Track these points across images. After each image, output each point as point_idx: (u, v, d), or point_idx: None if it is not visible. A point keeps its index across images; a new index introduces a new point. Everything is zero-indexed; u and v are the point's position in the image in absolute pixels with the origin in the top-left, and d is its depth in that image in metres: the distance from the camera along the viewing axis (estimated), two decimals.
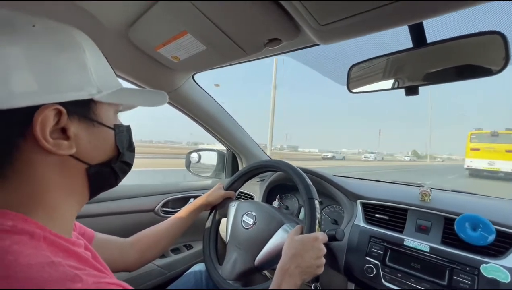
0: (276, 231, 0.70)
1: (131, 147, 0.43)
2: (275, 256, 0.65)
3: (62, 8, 0.58)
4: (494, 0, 0.39)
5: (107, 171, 0.40)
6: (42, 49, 0.31)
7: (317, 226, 0.63)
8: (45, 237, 0.30)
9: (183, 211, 0.78)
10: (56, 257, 0.29)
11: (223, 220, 0.85)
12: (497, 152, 13.01)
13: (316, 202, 0.66)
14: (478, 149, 13.73)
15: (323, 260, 0.60)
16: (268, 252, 0.68)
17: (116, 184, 0.43)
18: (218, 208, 0.84)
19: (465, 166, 14.37)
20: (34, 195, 0.33)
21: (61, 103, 0.32)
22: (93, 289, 0.28)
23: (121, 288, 0.31)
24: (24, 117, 0.30)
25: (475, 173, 14.08)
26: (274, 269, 0.59)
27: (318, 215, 0.64)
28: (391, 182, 1.07)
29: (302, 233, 0.63)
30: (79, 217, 0.87)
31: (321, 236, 0.62)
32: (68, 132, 0.33)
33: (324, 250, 0.61)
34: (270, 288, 0.55)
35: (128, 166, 0.43)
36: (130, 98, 0.42)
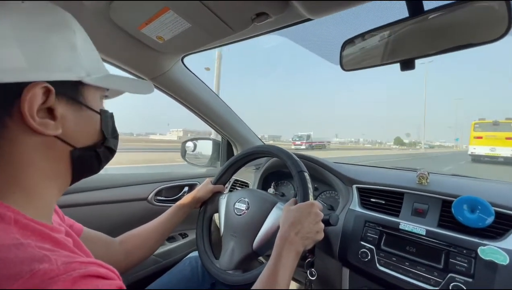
0: (270, 211, 0.68)
1: (115, 134, 0.44)
2: (273, 236, 0.63)
3: None
4: None
5: (91, 156, 0.39)
6: (32, 27, 0.32)
7: (310, 196, 0.62)
8: (16, 220, 0.29)
9: (170, 209, 0.75)
10: (26, 240, 0.28)
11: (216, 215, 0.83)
12: (498, 140, 14.26)
13: (306, 174, 0.65)
14: (481, 137, 14.88)
15: (322, 225, 0.60)
16: (265, 233, 0.66)
17: (98, 170, 0.42)
18: (208, 203, 0.82)
19: (469, 153, 15.52)
20: (13, 177, 0.32)
21: (50, 83, 0.32)
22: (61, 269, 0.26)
23: (96, 266, 0.29)
24: (11, 94, 0.30)
25: (477, 159, 15.25)
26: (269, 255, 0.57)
27: (310, 186, 0.63)
28: (388, 168, 1.04)
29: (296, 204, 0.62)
30: (71, 206, 0.87)
31: (316, 202, 0.61)
32: (55, 112, 0.33)
33: (322, 215, 0.60)
34: (271, 259, 0.53)
35: (111, 152, 0.43)
36: (117, 84, 0.42)
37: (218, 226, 0.79)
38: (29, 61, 0.31)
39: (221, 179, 0.85)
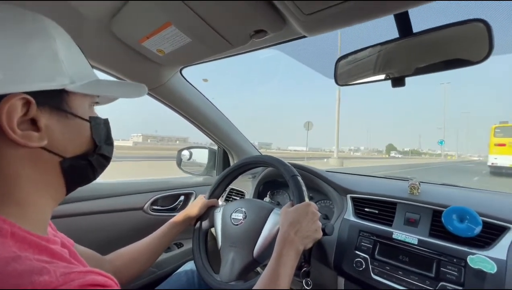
0: (267, 217, 0.69)
1: (109, 140, 0.43)
2: (273, 241, 0.63)
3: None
4: None
5: (84, 164, 0.39)
6: (7, 37, 0.30)
7: (306, 197, 0.65)
8: (12, 233, 0.29)
9: (164, 227, 0.74)
10: (24, 253, 0.28)
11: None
12: None
13: (299, 178, 0.68)
14: (503, 145, 12.11)
15: (319, 224, 0.62)
16: (265, 240, 0.67)
17: (94, 178, 0.42)
18: (203, 219, 0.81)
19: (489, 164, 12.59)
20: (5, 190, 0.32)
21: (30, 93, 0.31)
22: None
23: (94, 275, 0.30)
24: None
25: (497, 172, 12.23)
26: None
27: (304, 188, 0.66)
28: (381, 177, 1.07)
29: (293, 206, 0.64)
30: (65, 217, 0.87)
31: (312, 203, 0.63)
32: (39, 123, 0.32)
33: (318, 214, 0.62)
34: (271, 258, 0.54)
35: (106, 159, 0.42)
36: (106, 89, 0.41)
37: (215, 239, 0.79)
38: (5, 72, 0.29)
39: (215, 193, 0.85)
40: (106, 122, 0.43)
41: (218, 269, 0.71)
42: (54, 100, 0.34)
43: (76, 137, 0.37)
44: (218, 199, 0.86)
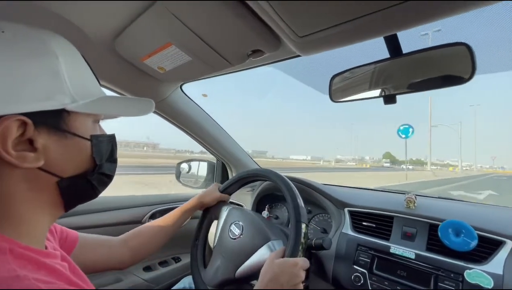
0: (261, 246, 0.68)
1: (112, 158, 0.41)
2: (255, 272, 0.64)
3: (47, 20, 0.58)
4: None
5: (83, 184, 0.38)
6: (7, 57, 0.30)
7: (300, 252, 0.61)
8: (11, 250, 0.29)
9: (176, 210, 0.77)
10: (23, 271, 0.28)
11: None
12: None
13: (304, 225, 0.63)
14: None
15: (300, 286, 0.57)
16: (249, 267, 0.67)
17: (95, 195, 0.41)
18: (211, 210, 0.84)
19: None
20: (2, 208, 0.32)
21: (28, 113, 0.30)
22: None
23: None
24: None
25: None
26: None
27: (302, 240, 0.61)
28: (377, 190, 1.08)
29: (283, 256, 0.60)
30: None
31: (301, 261, 0.58)
32: (35, 143, 0.31)
33: (303, 277, 0.58)
34: None
35: (108, 177, 0.41)
36: (112, 107, 0.41)
37: (213, 235, 0.80)
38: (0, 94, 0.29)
39: (229, 189, 0.85)
40: (111, 138, 0.42)
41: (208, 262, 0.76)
42: (53, 120, 0.33)
43: (75, 157, 0.36)
44: (230, 195, 0.88)
